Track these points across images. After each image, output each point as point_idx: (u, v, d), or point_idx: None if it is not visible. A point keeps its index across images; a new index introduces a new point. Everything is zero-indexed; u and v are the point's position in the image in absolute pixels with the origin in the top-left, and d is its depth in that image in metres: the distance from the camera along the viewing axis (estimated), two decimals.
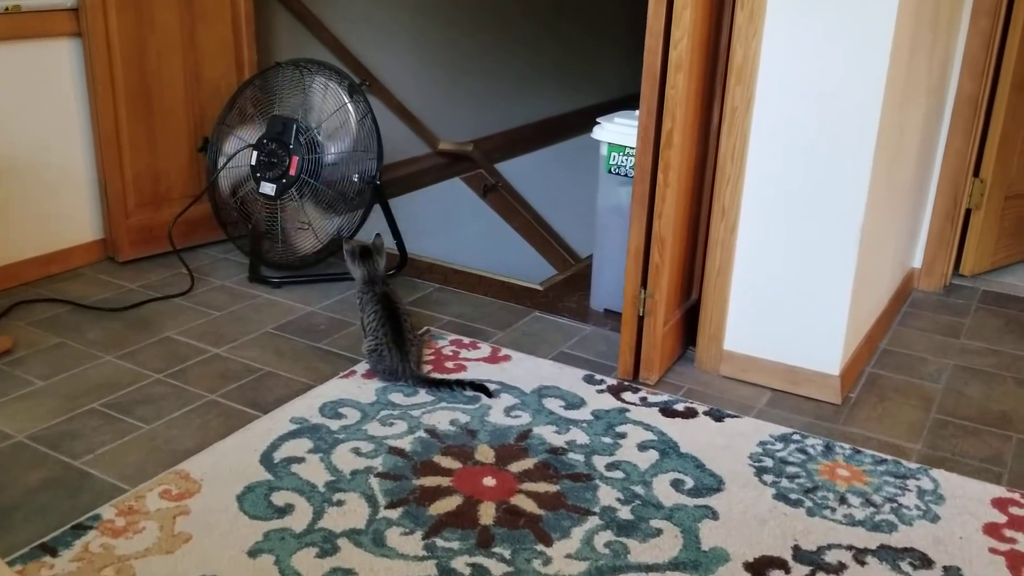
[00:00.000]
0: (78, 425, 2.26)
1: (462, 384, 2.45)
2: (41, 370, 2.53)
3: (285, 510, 1.93)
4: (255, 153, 3.10)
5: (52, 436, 2.21)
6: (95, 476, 2.06)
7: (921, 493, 2.07)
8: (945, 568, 1.83)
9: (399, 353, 2.46)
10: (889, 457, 2.22)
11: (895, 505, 2.03)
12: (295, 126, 3.06)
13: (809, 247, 2.44)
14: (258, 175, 3.10)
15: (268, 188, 3.09)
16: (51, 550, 1.79)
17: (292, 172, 3.05)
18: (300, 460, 2.12)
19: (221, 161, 3.19)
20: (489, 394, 2.43)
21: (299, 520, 1.90)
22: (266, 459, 2.12)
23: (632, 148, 2.74)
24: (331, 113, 3.09)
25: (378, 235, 2.74)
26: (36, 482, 2.03)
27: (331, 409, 2.35)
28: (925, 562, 1.84)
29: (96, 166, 3.23)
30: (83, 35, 3.08)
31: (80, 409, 2.34)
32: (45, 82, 3.06)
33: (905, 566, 1.83)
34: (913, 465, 2.19)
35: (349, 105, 3.09)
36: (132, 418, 2.30)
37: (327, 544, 1.82)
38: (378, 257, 2.64)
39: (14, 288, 3.06)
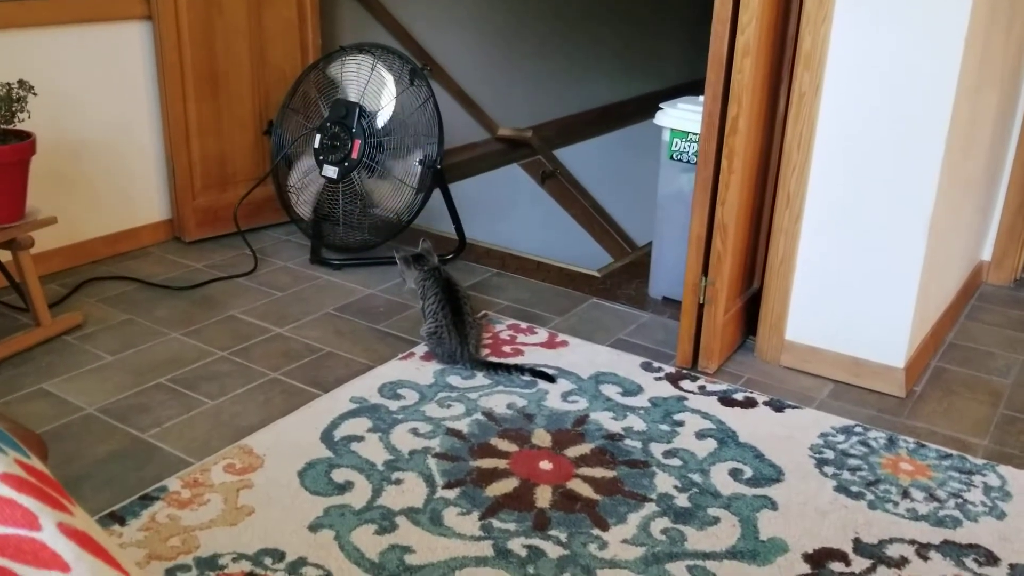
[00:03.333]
0: (145, 399, 2.32)
1: (520, 369, 2.46)
2: (110, 345, 2.60)
3: (345, 487, 1.96)
4: (318, 136, 3.14)
5: (120, 409, 2.27)
6: (162, 449, 2.11)
7: (987, 489, 2.03)
8: (1011, 566, 1.78)
9: (459, 336, 2.47)
10: (954, 452, 2.17)
11: (960, 501, 1.98)
12: (358, 110, 3.09)
13: (876, 237, 2.39)
14: (321, 158, 3.14)
15: (330, 171, 3.12)
16: (120, 519, 1.84)
17: (354, 155, 3.09)
18: (360, 439, 2.15)
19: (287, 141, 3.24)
20: (551, 379, 2.44)
21: (358, 497, 1.93)
22: (326, 437, 2.15)
23: (695, 134, 2.71)
24: (393, 97, 3.11)
25: (424, 239, 2.77)
26: (105, 453, 2.09)
27: (390, 390, 2.38)
28: (990, 559, 1.80)
29: (164, 148, 3.30)
30: (153, 18, 3.14)
31: (147, 384, 2.40)
32: (117, 64, 3.13)
33: (970, 562, 1.79)
34: (979, 461, 2.14)
35: (411, 90, 3.11)
36: (197, 393, 2.35)
37: (385, 521, 1.85)
38: (429, 258, 2.67)
39: (85, 265, 3.15)
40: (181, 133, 3.26)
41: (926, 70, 2.22)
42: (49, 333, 2.61)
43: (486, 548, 1.78)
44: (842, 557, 1.79)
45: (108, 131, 3.15)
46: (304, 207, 3.27)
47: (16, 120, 2.45)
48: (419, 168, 3.13)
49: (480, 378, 2.45)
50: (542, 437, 2.18)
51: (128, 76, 3.17)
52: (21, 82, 2.45)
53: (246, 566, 1.71)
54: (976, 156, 2.70)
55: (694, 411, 2.32)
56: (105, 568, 0.65)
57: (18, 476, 0.66)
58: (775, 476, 2.05)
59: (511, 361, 2.53)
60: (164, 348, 2.60)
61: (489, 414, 2.27)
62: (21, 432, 1.11)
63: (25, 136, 2.46)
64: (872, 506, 1.96)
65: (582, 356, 2.60)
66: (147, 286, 3.01)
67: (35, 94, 2.48)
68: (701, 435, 2.21)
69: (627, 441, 2.17)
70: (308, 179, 3.23)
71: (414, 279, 2.65)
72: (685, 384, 2.46)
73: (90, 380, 2.41)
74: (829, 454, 2.15)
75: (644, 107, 4.62)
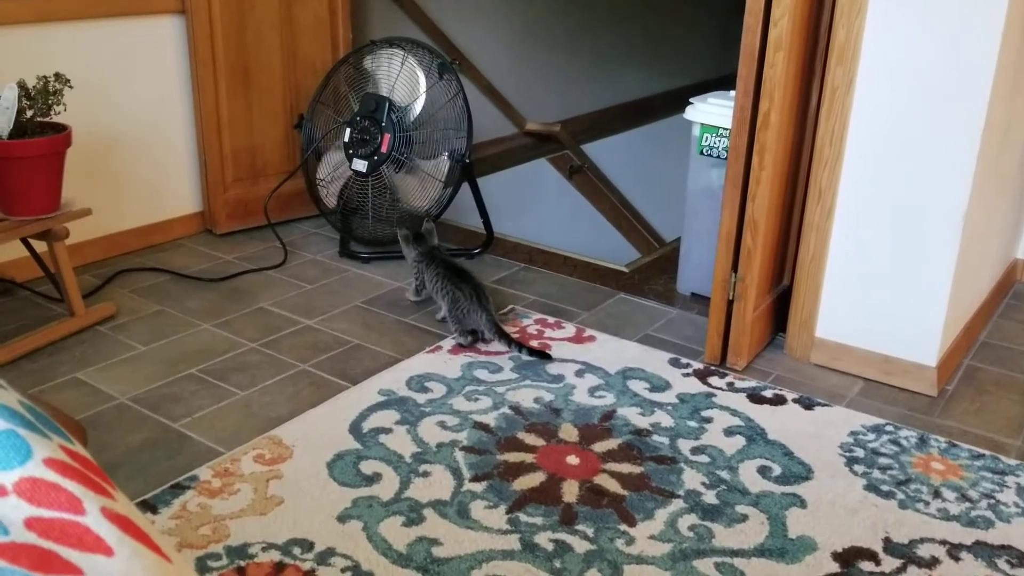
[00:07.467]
0: (177, 389, 2.35)
1: (520, 346, 2.54)
2: (142, 336, 2.63)
3: (373, 478, 1.97)
4: (348, 130, 3.16)
5: (152, 399, 2.30)
6: (192, 438, 2.13)
7: (1020, 490, 2.00)
8: None
9: (476, 297, 2.56)
10: (987, 452, 2.15)
11: (992, 501, 1.96)
12: (387, 104, 3.10)
13: (909, 234, 2.37)
14: (351, 152, 3.16)
15: (360, 165, 3.14)
16: (151, 507, 1.86)
17: (384, 149, 3.10)
18: (388, 431, 2.16)
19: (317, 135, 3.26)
20: (548, 358, 2.51)
21: (386, 489, 1.94)
22: (355, 428, 2.17)
23: (726, 129, 2.70)
24: (423, 92, 3.12)
25: (428, 219, 2.83)
26: (137, 442, 2.12)
27: (418, 383, 2.39)
28: (1023, 560, 1.78)
29: (196, 141, 3.33)
30: (186, 12, 3.17)
31: (179, 374, 2.42)
32: (150, 58, 3.16)
33: (1002, 563, 1.77)
34: (1012, 461, 2.12)
35: (440, 84, 3.12)
36: (228, 384, 2.38)
37: (413, 513, 1.86)
38: (429, 238, 2.78)
39: (117, 257, 3.19)
40: (213, 126, 3.28)
41: (961, 64, 2.20)
42: (83, 323, 2.65)
43: (513, 541, 1.79)
44: (872, 556, 1.78)
45: (141, 124, 3.18)
46: (332, 198, 3.31)
47: (52, 113, 2.48)
48: (448, 162, 3.14)
49: (507, 372, 2.45)
50: (569, 432, 2.18)
51: (161, 70, 3.20)
52: (57, 75, 2.48)
53: (275, 556, 1.73)
54: (1011, 153, 2.67)
55: (722, 408, 2.31)
56: (147, 552, 0.66)
57: (62, 461, 0.67)
58: (804, 474, 2.04)
59: (515, 336, 2.60)
60: (195, 339, 2.62)
61: (516, 408, 2.28)
62: (62, 418, 1.13)
63: (61, 128, 2.50)
64: (903, 505, 1.94)
65: (610, 351, 2.60)
66: (179, 277, 3.04)
67: (71, 87, 2.51)
68: (729, 432, 2.20)
69: (654, 437, 2.17)
70: (338, 172, 3.25)
71: (412, 258, 2.77)
72: (713, 380, 2.45)
73: (123, 370, 2.44)
74: (859, 452, 2.13)
75: (673, 102, 4.60)
